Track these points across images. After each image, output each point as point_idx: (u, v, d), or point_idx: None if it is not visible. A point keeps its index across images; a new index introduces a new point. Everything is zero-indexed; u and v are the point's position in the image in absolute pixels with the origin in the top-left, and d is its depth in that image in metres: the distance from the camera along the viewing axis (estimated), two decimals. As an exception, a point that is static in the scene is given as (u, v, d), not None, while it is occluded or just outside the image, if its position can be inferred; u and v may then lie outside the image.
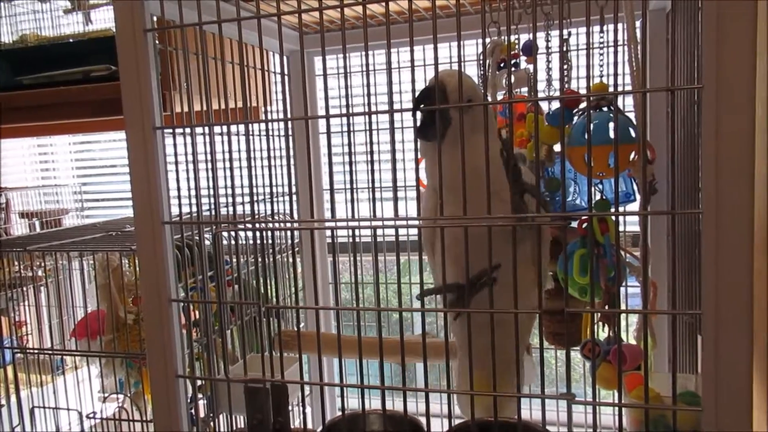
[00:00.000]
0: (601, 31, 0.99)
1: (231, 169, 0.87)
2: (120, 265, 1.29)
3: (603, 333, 1.10)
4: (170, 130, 0.90)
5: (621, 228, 1.24)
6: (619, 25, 1.13)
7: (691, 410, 0.71)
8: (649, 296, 1.05)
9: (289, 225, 1.08)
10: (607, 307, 0.99)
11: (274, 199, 1.05)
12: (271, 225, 0.85)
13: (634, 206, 1.12)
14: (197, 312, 1.12)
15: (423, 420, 0.96)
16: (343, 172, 0.91)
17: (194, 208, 0.96)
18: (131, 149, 0.87)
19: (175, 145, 0.91)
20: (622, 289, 1.15)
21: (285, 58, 1.39)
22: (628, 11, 0.96)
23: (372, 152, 0.90)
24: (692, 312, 0.69)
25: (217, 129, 1.01)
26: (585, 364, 1.34)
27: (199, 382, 1.08)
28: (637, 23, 1.27)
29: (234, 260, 1.19)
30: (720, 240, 0.63)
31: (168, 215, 0.90)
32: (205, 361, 1.05)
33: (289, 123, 1.34)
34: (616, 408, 0.78)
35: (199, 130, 0.95)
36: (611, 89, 0.74)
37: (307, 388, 1.47)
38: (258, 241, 0.91)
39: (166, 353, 0.89)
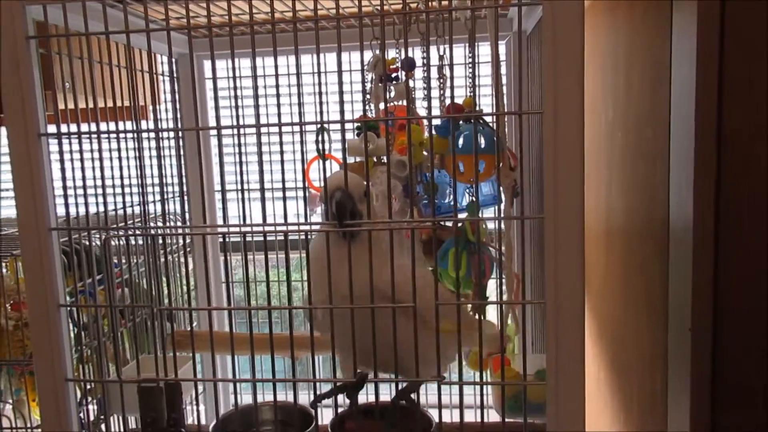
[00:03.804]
0: (470, 51, 1.10)
1: (121, 172, 0.89)
2: (0, 269, 1.25)
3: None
4: (56, 135, 0.90)
5: (492, 227, 1.38)
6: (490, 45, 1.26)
7: (538, 384, 0.83)
8: (513, 287, 1.19)
9: (180, 230, 1.10)
10: (477, 299, 1.11)
11: (166, 199, 1.07)
12: (162, 231, 0.88)
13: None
14: (85, 316, 1.11)
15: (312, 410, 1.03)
16: (235, 172, 0.96)
17: (82, 209, 0.96)
18: (14, 156, 0.86)
19: (60, 145, 0.90)
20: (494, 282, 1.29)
21: (173, 60, 1.39)
22: (491, 34, 1.08)
23: (261, 155, 0.95)
24: (539, 302, 0.81)
25: (104, 128, 1.02)
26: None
27: (88, 386, 1.08)
28: (501, 42, 1.41)
29: (124, 263, 1.20)
30: (558, 240, 0.75)
31: (54, 221, 0.89)
32: (95, 364, 1.06)
33: (179, 125, 1.36)
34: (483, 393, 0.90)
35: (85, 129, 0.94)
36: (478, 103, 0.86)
37: (200, 387, 1.49)
38: (149, 244, 0.93)
39: (54, 358, 0.89)
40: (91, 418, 1.11)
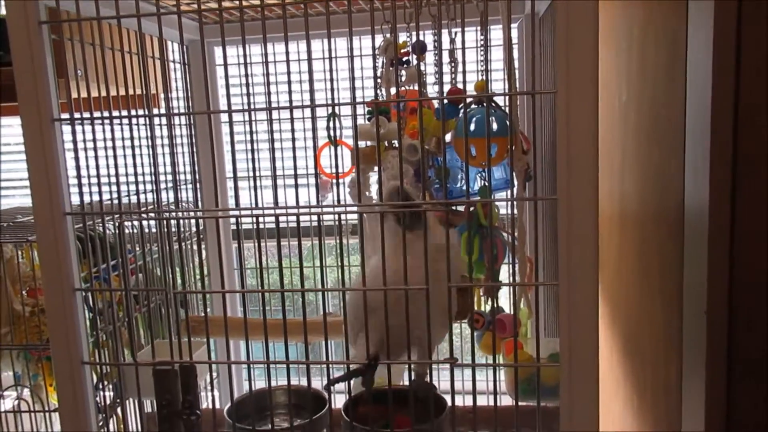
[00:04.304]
0: (482, 33, 1.09)
1: (134, 160, 0.89)
2: (15, 256, 1.26)
3: (488, 306, 1.23)
4: (69, 121, 0.90)
5: (504, 211, 1.37)
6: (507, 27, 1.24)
7: (551, 366, 0.83)
8: (527, 271, 1.18)
9: (193, 214, 1.11)
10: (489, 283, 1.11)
11: (178, 187, 1.07)
12: (175, 214, 0.88)
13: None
14: (99, 301, 1.12)
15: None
16: (246, 159, 0.96)
17: (95, 197, 0.97)
18: (28, 141, 0.87)
19: (73, 132, 0.91)
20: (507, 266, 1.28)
21: (185, 48, 1.39)
22: (504, 16, 1.06)
23: (273, 140, 0.95)
24: (553, 283, 0.81)
25: (116, 116, 1.02)
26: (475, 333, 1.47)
27: (104, 370, 1.10)
28: (514, 25, 1.40)
29: (137, 249, 1.20)
30: (571, 221, 0.75)
31: (69, 206, 0.90)
32: (110, 349, 1.07)
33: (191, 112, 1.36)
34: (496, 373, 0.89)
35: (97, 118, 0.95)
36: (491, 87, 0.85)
37: (214, 373, 1.50)
38: (164, 230, 0.94)
39: (70, 341, 0.91)
40: (108, 401, 1.13)
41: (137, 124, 0.96)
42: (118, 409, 1.14)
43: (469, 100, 1.11)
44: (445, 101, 1.09)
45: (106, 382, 1.12)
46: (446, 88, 1.17)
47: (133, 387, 0.95)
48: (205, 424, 0.96)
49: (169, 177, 1.18)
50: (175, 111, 1.42)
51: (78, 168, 0.92)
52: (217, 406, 1.50)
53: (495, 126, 1.08)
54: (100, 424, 1.10)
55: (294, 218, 0.87)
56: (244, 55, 0.89)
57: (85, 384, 0.93)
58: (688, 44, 0.87)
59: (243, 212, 0.84)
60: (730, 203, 0.80)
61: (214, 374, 1.50)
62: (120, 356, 1.04)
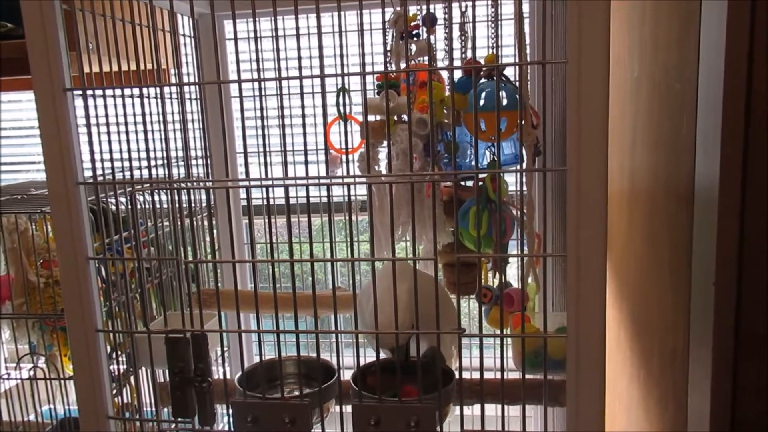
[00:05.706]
0: (493, 6, 1.08)
1: (145, 135, 0.90)
2: (30, 228, 1.28)
3: (496, 281, 1.23)
4: (80, 89, 0.91)
5: (513, 187, 1.37)
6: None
7: (558, 336, 0.83)
8: (534, 246, 1.18)
9: (204, 184, 1.12)
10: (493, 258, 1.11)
11: (189, 162, 1.08)
12: (186, 185, 0.89)
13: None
14: (112, 274, 1.14)
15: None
16: (256, 135, 0.96)
17: (108, 172, 0.98)
18: (41, 111, 0.88)
19: (86, 105, 0.92)
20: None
21: (195, 21, 1.39)
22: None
23: (283, 116, 0.95)
24: (561, 255, 0.81)
25: (127, 91, 1.03)
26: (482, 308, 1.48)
27: (117, 341, 1.11)
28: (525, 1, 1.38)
29: (149, 222, 1.22)
30: (580, 192, 0.75)
31: (81, 176, 0.91)
32: (123, 319, 1.09)
33: (202, 87, 1.37)
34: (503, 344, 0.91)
35: (109, 91, 0.96)
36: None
37: (225, 345, 1.52)
38: (176, 204, 0.95)
39: (84, 309, 0.92)
40: (121, 371, 1.15)
41: (148, 96, 0.96)
42: (131, 379, 1.16)
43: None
44: (459, 75, 1.09)
45: (119, 352, 1.14)
46: (456, 62, 1.17)
47: (146, 356, 0.96)
48: (216, 393, 0.97)
49: (180, 153, 1.19)
50: (186, 88, 1.42)
51: (90, 142, 0.93)
52: (228, 378, 1.52)
53: (505, 100, 1.07)
54: (114, 393, 1.13)
55: (303, 195, 0.88)
56: (255, 30, 0.89)
57: (99, 352, 0.95)
58: (702, 16, 0.86)
59: (253, 182, 0.84)
60: (740, 176, 0.80)
61: (225, 347, 1.52)
62: (133, 326, 1.06)
